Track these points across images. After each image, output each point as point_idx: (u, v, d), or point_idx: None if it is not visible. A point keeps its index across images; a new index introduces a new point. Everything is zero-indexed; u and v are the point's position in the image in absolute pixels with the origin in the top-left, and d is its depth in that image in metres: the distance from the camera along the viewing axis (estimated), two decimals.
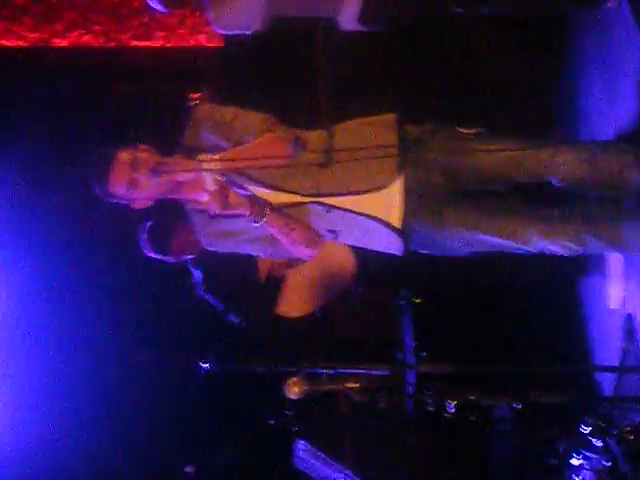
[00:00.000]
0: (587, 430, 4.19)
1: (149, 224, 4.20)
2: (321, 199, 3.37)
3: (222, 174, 3.36)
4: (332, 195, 3.35)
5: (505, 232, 3.38)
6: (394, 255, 3.52)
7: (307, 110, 3.74)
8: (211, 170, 3.30)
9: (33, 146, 4.57)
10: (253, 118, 3.45)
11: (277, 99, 4.03)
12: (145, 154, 3.31)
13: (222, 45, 4.93)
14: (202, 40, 4.95)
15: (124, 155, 3.28)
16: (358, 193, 3.34)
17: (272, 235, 3.44)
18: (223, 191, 3.34)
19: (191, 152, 3.40)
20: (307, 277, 4.48)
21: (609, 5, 3.84)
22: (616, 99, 4.16)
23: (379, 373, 4.00)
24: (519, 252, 3.46)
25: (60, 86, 4.75)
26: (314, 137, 3.43)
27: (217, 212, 3.36)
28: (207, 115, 3.45)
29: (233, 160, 3.32)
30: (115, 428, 4.64)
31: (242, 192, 3.39)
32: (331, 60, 4.81)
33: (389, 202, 3.37)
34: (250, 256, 4.23)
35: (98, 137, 4.41)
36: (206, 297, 4.20)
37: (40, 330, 4.63)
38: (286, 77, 4.74)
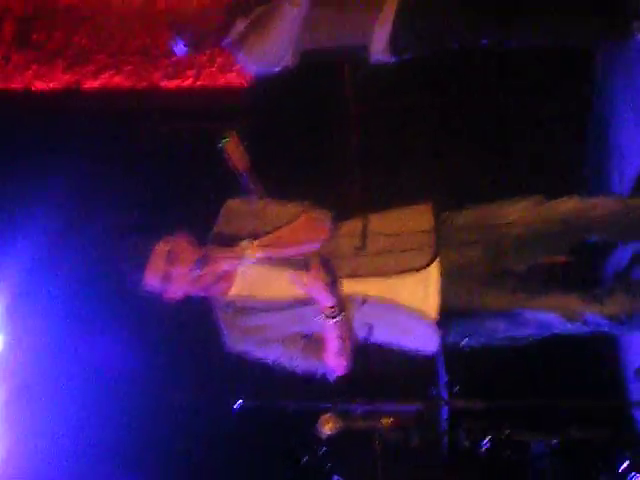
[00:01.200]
0: (627, 466, 4.14)
1: None
2: (357, 286, 3.29)
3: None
4: (370, 276, 3.29)
5: (555, 308, 3.30)
6: (428, 355, 3.43)
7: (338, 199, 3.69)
8: (254, 257, 3.25)
9: (64, 189, 4.60)
10: (288, 204, 3.42)
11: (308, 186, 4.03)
12: (183, 246, 3.28)
13: (252, 84, 4.96)
14: (232, 78, 4.98)
15: (162, 248, 3.23)
16: (395, 274, 3.28)
17: (317, 339, 3.35)
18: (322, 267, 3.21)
19: (225, 241, 3.36)
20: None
21: (638, 37, 3.81)
22: None
23: (413, 409, 3.98)
24: (568, 331, 3.37)
25: (92, 128, 4.79)
26: (349, 225, 3.39)
27: (306, 288, 3.22)
28: (240, 205, 3.43)
29: (274, 245, 3.28)
30: (152, 468, 4.61)
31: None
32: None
33: (425, 285, 3.27)
34: None
35: (129, 184, 4.41)
36: None
37: (72, 366, 4.63)
38: (315, 116, 4.76)
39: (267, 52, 3.91)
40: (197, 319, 4.18)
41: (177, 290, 3.25)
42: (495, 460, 4.20)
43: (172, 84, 4.97)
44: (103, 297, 4.55)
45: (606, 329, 3.36)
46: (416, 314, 3.26)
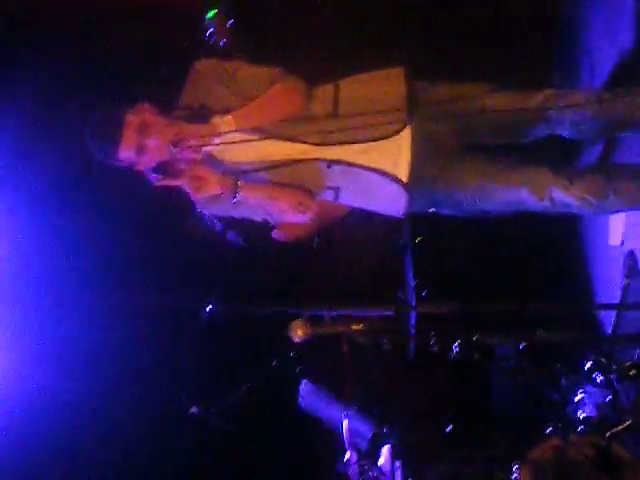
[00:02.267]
0: (589, 366, 4.24)
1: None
2: (327, 152, 3.29)
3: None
4: (340, 143, 3.26)
5: (523, 183, 3.31)
6: (393, 217, 3.44)
7: (311, 63, 3.64)
8: (229, 132, 3.19)
9: (30, 94, 4.50)
10: (259, 69, 3.37)
11: (281, 49, 3.96)
12: (154, 116, 3.22)
13: None
14: None
15: (132, 119, 3.18)
16: (366, 141, 3.26)
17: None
18: (196, 171, 3.26)
19: (195, 112, 3.31)
20: None
21: None
22: (616, 35, 4.12)
23: (381, 314, 4.03)
24: (535, 208, 3.38)
25: (56, 31, 4.66)
26: (320, 90, 3.36)
27: (197, 197, 3.31)
28: (208, 69, 3.35)
29: (248, 118, 3.24)
30: (118, 370, 4.65)
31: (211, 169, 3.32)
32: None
33: (396, 152, 3.28)
34: None
35: (96, 87, 4.32)
36: (206, 218, 4.17)
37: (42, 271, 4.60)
38: (291, 23, 4.67)
39: None
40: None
41: (150, 161, 3.24)
42: (461, 362, 4.29)
43: None
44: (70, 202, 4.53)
45: (574, 210, 3.37)
46: (385, 176, 3.29)
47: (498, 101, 3.35)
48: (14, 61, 4.46)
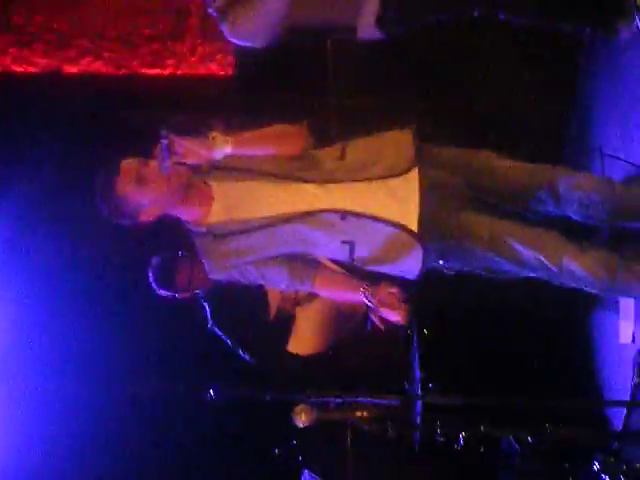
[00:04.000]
0: (597, 466, 4.16)
1: (156, 260, 4.17)
2: (335, 195, 3.23)
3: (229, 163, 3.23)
4: (348, 180, 3.20)
5: (535, 241, 3.26)
6: (408, 278, 3.39)
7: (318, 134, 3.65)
8: (224, 150, 3.12)
9: (42, 171, 4.55)
10: None
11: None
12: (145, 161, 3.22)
13: (233, 73, 4.93)
14: (213, 68, 4.96)
15: (130, 160, 3.20)
16: (372, 178, 3.19)
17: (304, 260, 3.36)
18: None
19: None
20: (318, 315, 4.40)
21: (624, 35, 3.83)
22: (630, 133, 4.15)
23: (387, 403, 3.97)
24: (541, 274, 3.32)
25: (70, 113, 4.74)
26: (329, 148, 3.37)
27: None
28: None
29: (246, 142, 3.21)
30: (120, 457, 4.58)
31: None
32: (343, 79, 4.80)
33: (405, 198, 3.20)
34: (260, 289, 4.18)
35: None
36: (216, 332, 4.18)
37: (46, 357, 4.59)
38: (297, 103, 4.73)
39: (251, 26, 3.85)
40: (173, 309, 4.18)
41: (151, 197, 3.17)
42: (467, 455, 4.22)
43: (152, 72, 4.94)
44: (79, 280, 4.53)
45: (580, 282, 3.29)
46: (396, 227, 3.21)
47: (506, 164, 3.36)
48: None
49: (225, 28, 3.89)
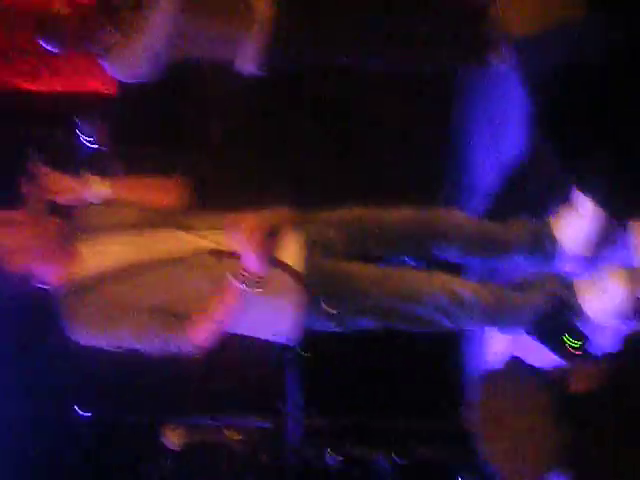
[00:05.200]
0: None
1: None
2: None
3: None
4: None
5: (422, 276, 3.22)
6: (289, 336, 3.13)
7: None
8: (100, 192, 3.03)
9: None
10: None
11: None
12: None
13: (116, 92, 4.88)
14: (96, 86, 4.90)
15: None
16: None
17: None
18: None
19: None
20: None
21: (495, 62, 3.95)
22: (502, 151, 4.27)
23: (260, 424, 3.99)
24: (432, 303, 3.31)
25: None
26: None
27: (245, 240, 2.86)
28: None
29: (123, 188, 3.10)
30: None
31: None
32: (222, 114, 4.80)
33: (288, 250, 3.08)
34: None
35: None
36: None
37: None
38: (179, 124, 4.73)
39: (133, 61, 3.83)
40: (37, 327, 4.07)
41: (15, 241, 2.93)
42: (341, 477, 4.26)
43: (30, 86, 4.85)
44: None
45: (479, 317, 3.29)
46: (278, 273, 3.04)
47: (391, 217, 3.36)
48: None
49: (107, 65, 3.85)
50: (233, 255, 2.96)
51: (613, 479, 2.32)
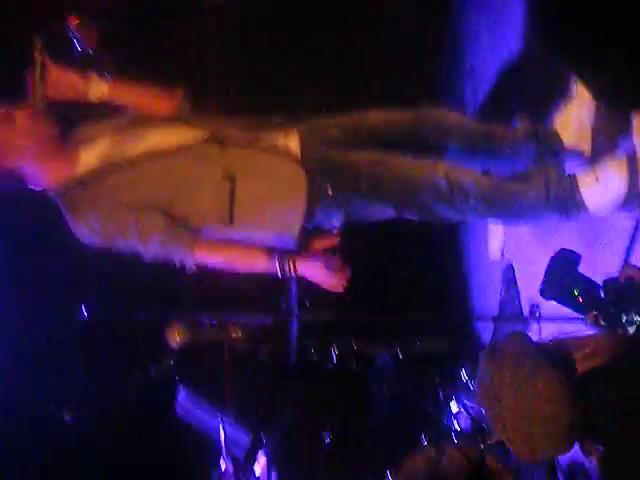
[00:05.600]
0: (465, 377, 4.31)
1: None
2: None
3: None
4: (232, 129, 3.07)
5: (419, 161, 3.13)
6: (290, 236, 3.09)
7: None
8: (101, 90, 3.02)
9: None
10: None
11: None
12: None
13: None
14: None
15: None
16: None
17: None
18: None
19: None
20: None
21: None
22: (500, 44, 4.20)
23: (262, 321, 4.01)
24: (429, 189, 3.24)
25: None
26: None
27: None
28: None
29: (125, 89, 3.07)
30: None
31: None
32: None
33: (287, 139, 3.10)
34: None
35: None
36: None
37: None
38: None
39: None
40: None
41: (17, 140, 2.93)
42: (341, 372, 4.30)
43: None
44: None
45: (480, 205, 3.24)
46: (280, 156, 3.06)
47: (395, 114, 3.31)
48: None
49: None
50: (239, 144, 2.98)
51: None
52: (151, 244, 2.96)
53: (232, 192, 2.98)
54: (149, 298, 4.18)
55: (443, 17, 4.70)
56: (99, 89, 3.04)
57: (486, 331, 4.55)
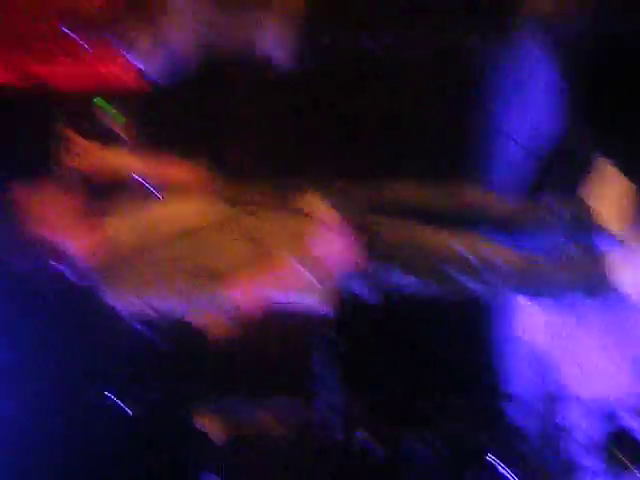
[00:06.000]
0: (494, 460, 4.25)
1: None
2: None
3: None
4: None
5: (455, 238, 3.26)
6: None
7: None
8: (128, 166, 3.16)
9: None
10: None
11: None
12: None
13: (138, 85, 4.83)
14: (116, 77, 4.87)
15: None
16: None
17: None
18: None
19: None
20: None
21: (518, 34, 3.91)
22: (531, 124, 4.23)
23: (289, 405, 3.98)
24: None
25: None
26: None
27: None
28: None
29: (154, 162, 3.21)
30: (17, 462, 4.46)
31: None
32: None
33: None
34: None
35: None
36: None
37: None
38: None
39: (160, 54, 3.83)
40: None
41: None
42: (368, 457, 4.25)
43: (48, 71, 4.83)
44: None
45: (508, 279, 3.25)
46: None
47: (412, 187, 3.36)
48: None
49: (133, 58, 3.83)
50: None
51: None
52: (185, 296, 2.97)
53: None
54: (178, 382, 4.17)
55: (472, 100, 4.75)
56: (126, 162, 3.10)
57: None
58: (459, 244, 3.16)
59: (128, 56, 3.89)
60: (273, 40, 3.81)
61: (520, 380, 4.54)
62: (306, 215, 3.12)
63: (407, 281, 3.23)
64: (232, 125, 4.47)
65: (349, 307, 3.30)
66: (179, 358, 4.15)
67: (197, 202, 3.14)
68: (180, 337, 3.64)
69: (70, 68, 4.75)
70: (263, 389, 3.95)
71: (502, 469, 4.12)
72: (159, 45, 3.78)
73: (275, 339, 4.35)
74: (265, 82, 4.32)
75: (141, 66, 3.88)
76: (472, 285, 3.20)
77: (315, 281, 3.00)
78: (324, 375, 4.10)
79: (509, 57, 4.31)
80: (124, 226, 3.08)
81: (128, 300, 3.01)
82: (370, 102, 4.66)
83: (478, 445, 4.35)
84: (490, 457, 4.29)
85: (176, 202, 3.13)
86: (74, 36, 3.84)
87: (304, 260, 3.02)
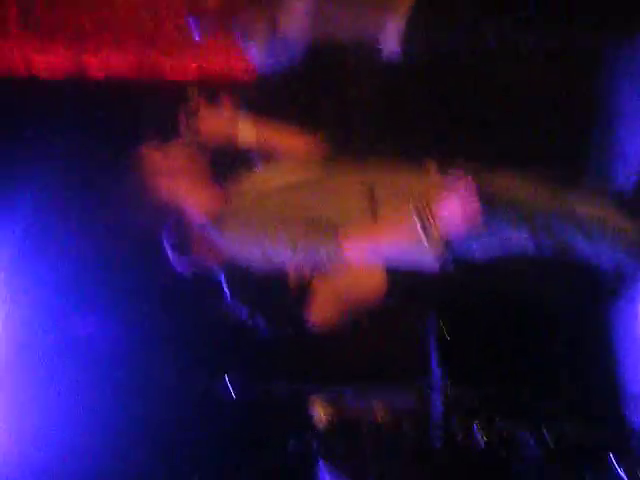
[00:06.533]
0: (615, 463, 4.12)
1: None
2: None
3: None
4: None
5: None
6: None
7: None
8: (249, 135, 3.21)
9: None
10: None
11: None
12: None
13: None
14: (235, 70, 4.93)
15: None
16: None
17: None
18: None
19: None
20: (335, 288, 4.36)
21: None
22: None
23: (404, 397, 3.95)
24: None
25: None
26: None
27: None
28: None
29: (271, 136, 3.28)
30: (135, 446, 4.55)
31: None
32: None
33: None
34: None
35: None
36: (231, 304, 4.10)
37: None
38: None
39: (274, 44, 3.87)
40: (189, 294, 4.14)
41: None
42: (486, 455, 4.18)
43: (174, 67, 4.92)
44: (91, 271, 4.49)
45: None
46: None
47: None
48: None
49: (248, 49, 3.89)
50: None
51: None
52: (299, 244, 3.01)
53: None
54: (292, 371, 4.20)
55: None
56: (248, 133, 3.16)
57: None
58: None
59: (244, 47, 3.93)
60: (387, 30, 3.79)
61: None
62: (426, 175, 3.11)
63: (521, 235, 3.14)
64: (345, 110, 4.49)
65: (462, 268, 3.23)
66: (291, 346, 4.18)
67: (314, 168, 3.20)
68: (291, 326, 3.66)
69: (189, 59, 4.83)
70: (373, 378, 3.93)
71: (620, 470, 4.00)
72: (274, 36, 3.81)
73: (386, 326, 4.34)
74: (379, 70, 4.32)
75: (256, 56, 3.93)
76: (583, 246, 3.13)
77: (431, 240, 2.94)
78: (436, 364, 4.06)
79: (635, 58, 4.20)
80: (243, 190, 3.17)
81: (245, 248, 3.07)
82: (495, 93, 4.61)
83: (597, 444, 4.23)
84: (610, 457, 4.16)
85: (293, 168, 3.20)
86: (194, 29, 3.88)
87: (422, 218, 2.98)
